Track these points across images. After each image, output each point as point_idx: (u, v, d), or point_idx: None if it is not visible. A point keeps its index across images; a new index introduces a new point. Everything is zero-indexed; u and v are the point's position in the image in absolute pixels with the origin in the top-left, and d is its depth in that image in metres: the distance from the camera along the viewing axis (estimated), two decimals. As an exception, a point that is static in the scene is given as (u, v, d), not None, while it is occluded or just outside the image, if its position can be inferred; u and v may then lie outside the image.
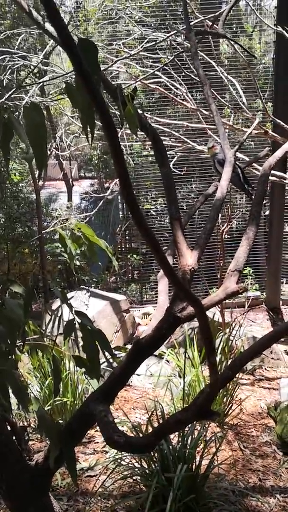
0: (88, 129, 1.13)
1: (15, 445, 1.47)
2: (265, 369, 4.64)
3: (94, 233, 1.56)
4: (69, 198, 9.22)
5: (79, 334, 1.37)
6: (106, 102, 1.22)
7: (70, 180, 9.27)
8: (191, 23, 3.98)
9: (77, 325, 1.32)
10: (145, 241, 0.90)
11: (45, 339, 1.68)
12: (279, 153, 1.70)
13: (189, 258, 1.37)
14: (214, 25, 3.35)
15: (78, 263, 7.04)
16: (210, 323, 3.61)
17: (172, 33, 3.99)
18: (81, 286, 5.44)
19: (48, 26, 2.22)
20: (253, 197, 1.82)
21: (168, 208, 1.39)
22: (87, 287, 5.38)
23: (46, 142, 1.16)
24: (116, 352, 3.14)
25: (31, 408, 1.33)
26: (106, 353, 1.30)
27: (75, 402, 3.49)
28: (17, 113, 4.24)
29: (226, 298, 1.34)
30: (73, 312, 1.28)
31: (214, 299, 1.34)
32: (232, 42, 3.76)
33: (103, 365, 3.10)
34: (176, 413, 1.23)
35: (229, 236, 5.93)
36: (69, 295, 5.22)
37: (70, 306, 1.30)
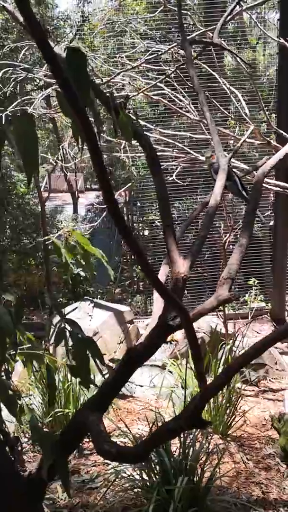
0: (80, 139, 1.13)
1: (7, 455, 1.46)
2: (270, 380, 4.60)
3: (89, 242, 1.56)
4: (75, 210, 9.26)
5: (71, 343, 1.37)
6: (98, 111, 1.23)
7: (76, 192, 9.32)
8: (194, 35, 4.02)
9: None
10: (128, 247, 0.90)
11: (45, 348, 1.68)
12: (272, 161, 1.70)
13: (181, 266, 1.37)
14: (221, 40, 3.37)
15: (83, 274, 7.05)
16: (213, 334, 3.60)
17: (172, 45, 4.02)
18: (85, 297, 5.43)
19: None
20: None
21: (160, 215, 1.40)
22: (91, 298, 5.37)
23: (37, 151, 1.15)
24: (111, 365, 3.12)
25: (23, 419, 1.32)
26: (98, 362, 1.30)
27: (77, 411, 3.47)
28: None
29: (218, 306, 1.34)
30: (64, 320, 1.27)
31: (207, 307, 1.33)
32: (229, 52, 3.78)
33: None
34: (167, 422, 1.22)
35: (233, 247, 5.91)
36: (73, 306, 5.22)
37: (62, 315, 1.30)
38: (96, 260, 1.82)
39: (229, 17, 2.55)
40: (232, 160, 2.86)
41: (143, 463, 2.73)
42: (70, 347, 1.23)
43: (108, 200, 0.85)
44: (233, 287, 1.44)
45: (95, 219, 9.25)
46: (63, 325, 1.25)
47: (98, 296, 7.65)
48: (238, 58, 3.45)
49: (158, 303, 1.69)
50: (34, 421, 1.34)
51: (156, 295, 1.71)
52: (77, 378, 1.45)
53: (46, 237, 6.62)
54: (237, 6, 2.73)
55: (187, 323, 1.00)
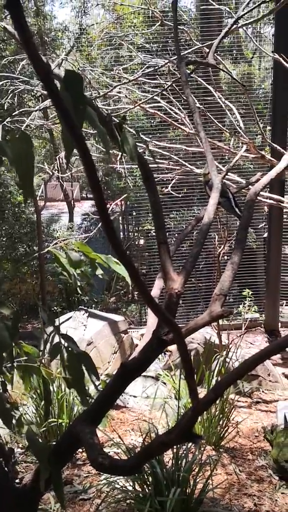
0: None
1: (1, 467, 1.48)
2: (263, 391, 4.62)
3: (91, 250, 1.59)
4: (71, 219, 9.29)
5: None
6: (104, 132, 1.26)
7: (72, 201, 9.36)
8: (190, 50, 4.09)
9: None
10: (119, 259, 0.93)
11: (40, 360, 1.70)
12: (265, 180, 1.74)
13: (176, 282, 1.40)
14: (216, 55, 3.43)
15: (78, 283, 7.05)
16: (206, 345, 3.62)
17: (167, 62, 4.08)
18: (80, 307, 5.45)
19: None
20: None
21: (156, 232, 1.43)
22: (85, 308, 5.39)
23: (32, 172, 1.19)
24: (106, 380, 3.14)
25: (22, 431, 1.34)
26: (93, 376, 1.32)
27: (71, 423, 3.48)
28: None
29: (211, 322, 1.37)
30: (60, 334, 1.30)
31: (199, 322, 1.36)
32: (223, 71, 3.84)
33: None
34: (160, 436, 1.24)
35: (227, 258, 5.96)
36: (67, 315, 5.24)
37: (57, 329, 1.33)
38: (91, 270, 1.85)
39: (225, 34, 2.61)
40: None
41: (136, 474, 2.74)
42: (66, 362, 1.25)
43: (105, 222, 0.88)
44: (227, 297, 1.47)
45: (90, 228, 9.30)
46: (58, 340, 1.28)
47: (93, 305, 7.67)
48: (232, 76, 3.51)
49: (151, 317, 1.72)
50: (30, 432, 1.36)
51: (149, 310, 1.74)
52: (72, 390, 1.47)
53: (44, 247, 6.64)
54: (233, 22, 2.79)
55: (180, 340, 1.03)
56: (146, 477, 2.78)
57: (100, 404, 1.41)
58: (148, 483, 2.77)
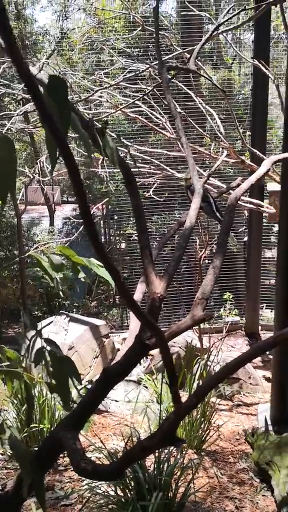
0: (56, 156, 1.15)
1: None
2: (244, 394, 4.65)
3: (74, 253, 1.59)
4: (51, 223, 9.25)
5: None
6: (86, 137, 1.27)
7: (53, 204, 9.32)
8: (171, 55, 4.12)
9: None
10: (102, 262, 0.93)
11: (22, 365, 1.69)
12: (245, 185, 1.77)
13: (158, 286, 1.41)
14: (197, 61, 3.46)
15: (60, 287, 7.04)
16: (188, 348, 3.63)
17: (148, 66, 4.10)
18: (61, 311, 5.43)
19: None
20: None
21: (138, 237, 1.44)
22: (66, 312, 5.37)
23: (14, 178, 1.18)
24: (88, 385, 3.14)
25: (3, 437, 1.33)
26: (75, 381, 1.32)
27: (52, 429, 3.46)
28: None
29: (193, 325, 1.38)
30: (42, 338, 1.30)
31: (182, 326, 1.37)
32: (204, 77, 3.88)
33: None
34: (142, 440, 1.25)
35: (208, 261, 6.00)
36: (48, 320, 5.20)
37: (39, 334, 1.32)
38: (72, 274, 1.85)
39: (206, 40, 2.64)
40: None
41: (119, 479, 2.73)
42: (50, 367, 1.25)
43: (88, 225, 0.88)
44: (208, 300, 1.49)
45: (72, 231, 9.26)
46: (40, 344, 1.28)
47: (74, 310, 7.64)
48: (212, 81, 3.54)
49: (134, 321, 1.73)
50: (13, 438, 1.35)
51: (132, 314, 1.75)
52: (55, 395, 1.47)
53: (24, 251, 6.59)
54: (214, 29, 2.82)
55: (162, 345, 1.04)
56: (128, 481, 2.77)
57: (83, 409, 1.41)
58: (130, 487, 2.76)
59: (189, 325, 1.38)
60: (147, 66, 4.02)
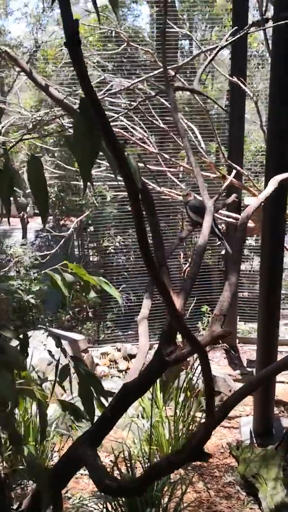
0: (87, 182, 1.15)
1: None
2: (225, 407, 4.67)
3: (85, 272, 1.59)
4: (24, 235, 9.15)
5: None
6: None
7: (25, 216, 9.23)
8: (153, 73, 4.16)
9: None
10: (154, 284, 0.93)
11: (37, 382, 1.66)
12: (254, 203, 1.80)
13: (176, 303, 1.41)
14: (177, 76, 3.52)
15: (33, 301, 7.01)
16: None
17: (133, 82, 4.13)
18: (39, 326, 5.35)
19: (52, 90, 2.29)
20: (226, 244, 1.93)
21: (155, 255, 1.44)
22: (44, 327, 5.30)
23: (47, 192, 1.19)
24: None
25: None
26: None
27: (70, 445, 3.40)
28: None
29: (212, 341, 1.39)
30: (69, 356, 1.28)
31: (202, 343, 1.38)
32: (208, 98, 3.95)
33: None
34: (169, 456, 1.24)
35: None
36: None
37: (64, 351, 1.30)
38: (46, 287, 1.84)
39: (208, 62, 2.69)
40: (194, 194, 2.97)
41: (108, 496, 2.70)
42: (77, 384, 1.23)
43: (148, 266, 0.88)
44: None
45: (45, 244, 9.18)
46: (67, 362, 1.26)
47: (47, 324, 7.53)
48: (215, 102, 3.60)
49: (143, 338, 1.73)
50: (30, 456, 1.32)
51: (141, 330, 1.74)
52: (68, 413, 1.45)
53: (6, 268, 6.44)
54: (200, 49, 2.88)
55: (204, 360, 1.04)
56: (119, 498, 2.74)
57: (101, 426, 1.40)
58: (121, 503, 2.73)
59: (208, 342, 1.39)
60: (123, 75, 4.04)
